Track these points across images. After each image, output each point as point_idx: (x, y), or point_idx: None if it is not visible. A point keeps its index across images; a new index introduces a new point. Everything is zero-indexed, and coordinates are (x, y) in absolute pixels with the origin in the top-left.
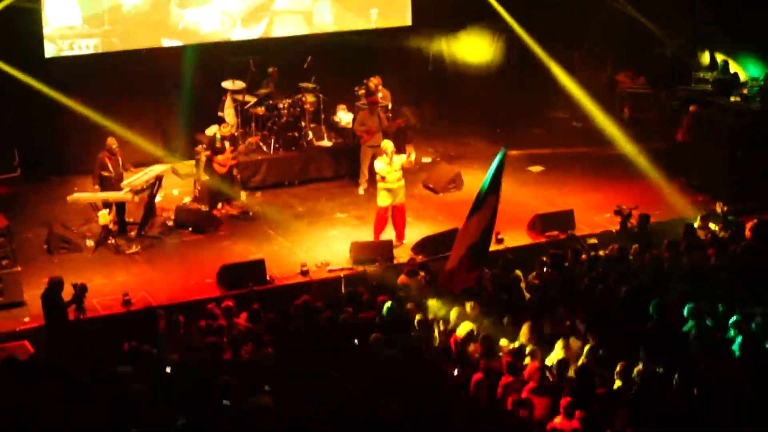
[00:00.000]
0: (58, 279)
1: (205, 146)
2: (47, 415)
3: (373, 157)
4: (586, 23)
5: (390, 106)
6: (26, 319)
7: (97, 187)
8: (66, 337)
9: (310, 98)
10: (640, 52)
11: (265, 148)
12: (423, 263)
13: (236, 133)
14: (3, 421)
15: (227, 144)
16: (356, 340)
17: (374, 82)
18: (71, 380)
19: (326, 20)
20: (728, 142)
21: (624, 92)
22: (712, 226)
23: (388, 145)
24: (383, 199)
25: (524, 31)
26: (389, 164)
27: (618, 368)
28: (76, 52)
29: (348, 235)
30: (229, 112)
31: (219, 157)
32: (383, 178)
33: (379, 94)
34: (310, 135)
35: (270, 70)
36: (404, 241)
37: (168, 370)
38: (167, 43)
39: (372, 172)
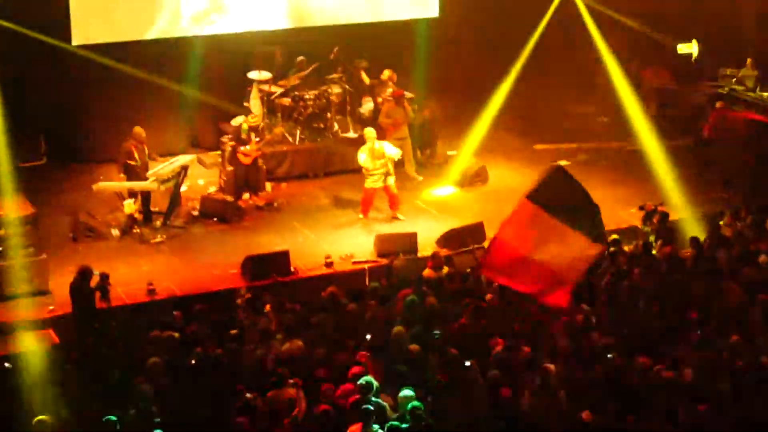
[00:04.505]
0: (88, 268)
1: (230, 137)
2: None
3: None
4: (612, 18)
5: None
6: (51, 308)
7: (122, 175)
8: (94, 326)
9: (336, 89)
10: (666, 48)
11: (290, 139)
12: (447, 257)
13: (261, 124)
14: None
15: (253, 135)
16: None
17: (387, 74)
18: (98, 370)
19: (353, 11)
20: (754, 137)
21: (650, 88)
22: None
23: (370, 134)
24: (369, 183)
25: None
26: (371, 153)
27: None
28: (102, 40)
29: (372, 227)
30: (254, 103)
31: (244, 148)
32: (367, 170)
33: (389, 89)
34: (336, 126)
35: (298, 60)
36: (400, 216)
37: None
38: (191, 32)
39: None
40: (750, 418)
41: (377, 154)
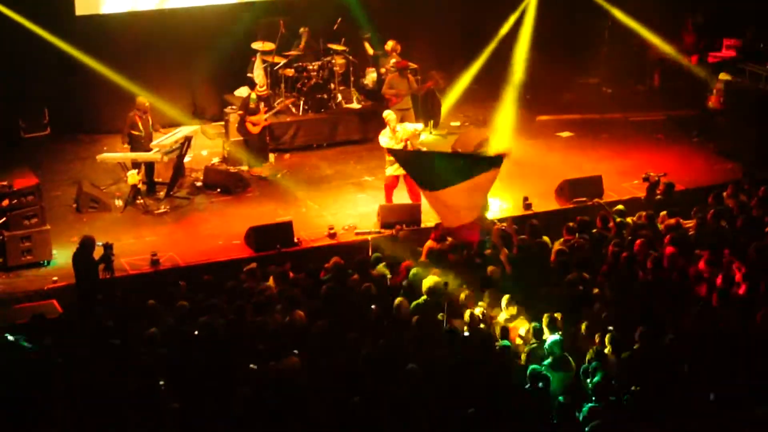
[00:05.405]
0: (90, 238)
1: (237, 107)
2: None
3: (401, 121)
4: None
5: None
6: (55, 278)
7: (126, 146)
8: (96, 297)
9: (339, 60)
10: (672, 19)
11: (294, 110)
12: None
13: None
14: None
15: (261, 105)
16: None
17: (390, 45)
18: (100, 339)
19: None
20: (759, 109)
21: (654, 59)
22: None
23: (390, 116)
24: (390, 169)
25: None
26: (393, 136)
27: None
28: (106, 11)
29: (376, 198)
30: (258, 74)
31: (253, 118)
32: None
33: (392, 60)
34: (339, 97)
35: (301, 30)
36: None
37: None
38: (195, 2)
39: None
40: (750, 389)
41: (400, 137)
